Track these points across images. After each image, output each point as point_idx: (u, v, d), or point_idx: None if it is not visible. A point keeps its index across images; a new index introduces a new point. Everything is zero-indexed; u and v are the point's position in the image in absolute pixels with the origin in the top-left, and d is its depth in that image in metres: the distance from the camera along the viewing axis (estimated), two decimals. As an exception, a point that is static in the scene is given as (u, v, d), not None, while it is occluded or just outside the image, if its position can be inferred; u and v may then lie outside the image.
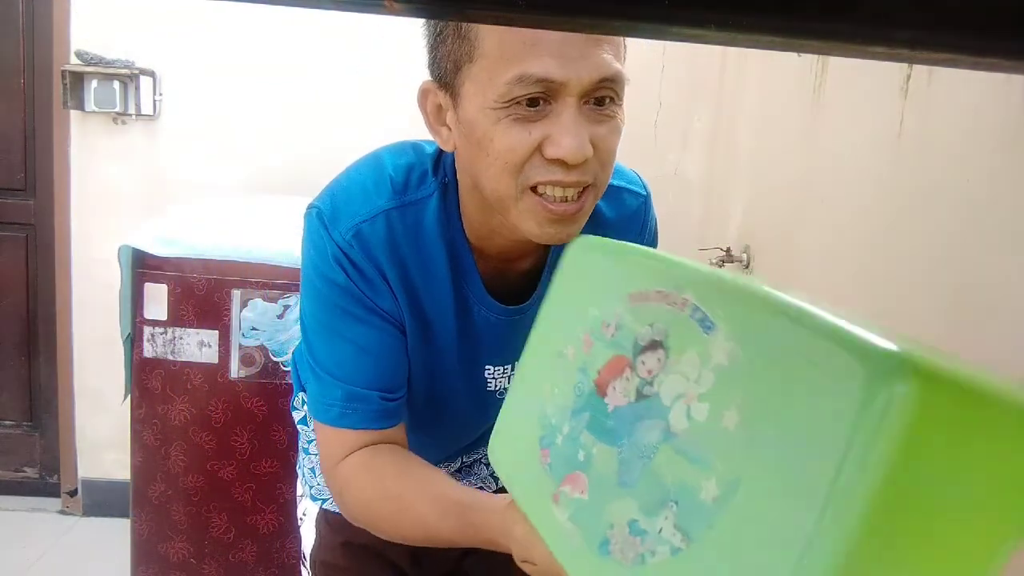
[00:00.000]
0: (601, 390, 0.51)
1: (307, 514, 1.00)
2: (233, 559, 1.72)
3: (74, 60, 2.09)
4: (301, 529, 1.02)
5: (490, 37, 0.62)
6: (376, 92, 2.15)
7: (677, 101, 2.26)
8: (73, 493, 2.36)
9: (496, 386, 0.88)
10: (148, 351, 1.65)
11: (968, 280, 1.13)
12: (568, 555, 0.50)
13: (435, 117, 0.71)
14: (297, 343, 1.07)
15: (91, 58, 2.07)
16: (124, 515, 1.76)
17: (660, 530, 0.42)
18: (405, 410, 0.81)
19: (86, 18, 2.12)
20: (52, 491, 2.39)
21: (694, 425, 0.41)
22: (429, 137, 0.77)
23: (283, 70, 2.17)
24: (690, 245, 2.33)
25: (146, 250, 1.62)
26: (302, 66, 2.17)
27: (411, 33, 2.42)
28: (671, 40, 0.28)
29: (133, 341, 1.66)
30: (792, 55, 1.78)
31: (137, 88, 2.11)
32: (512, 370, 0.86)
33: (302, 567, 1.04)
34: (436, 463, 0.90)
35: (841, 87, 1.58)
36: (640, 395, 0.47)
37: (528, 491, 0.57)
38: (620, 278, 0.53)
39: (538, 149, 0.63)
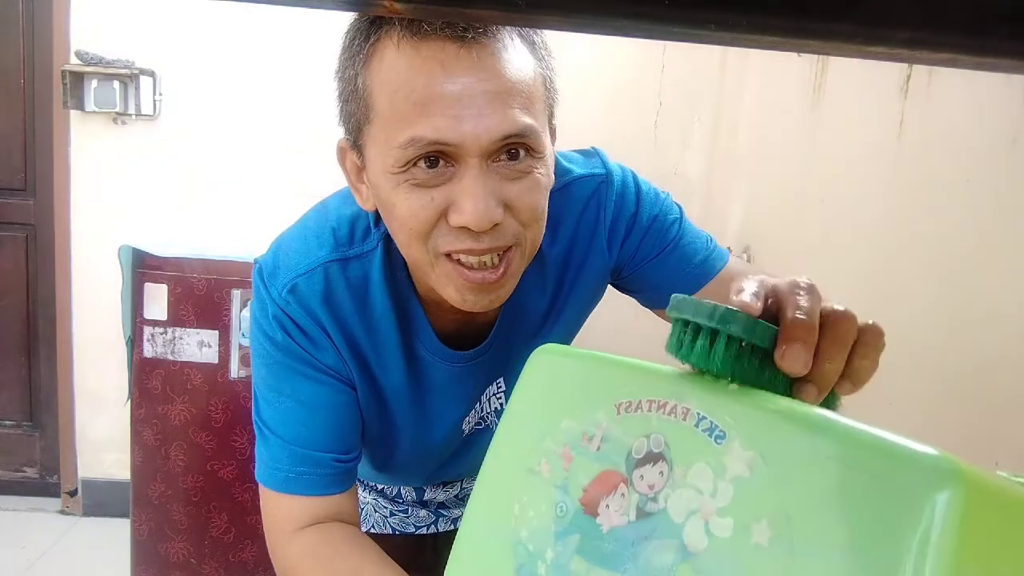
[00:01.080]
0: (590, 509, 0.44)
1: None
2: (233, 559, 1.72)
3: (74, 60, 2.09)
4: None
5: (382, 97, 0.57)
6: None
7: (677, 101, 2.26)
8: (73, 493, 2.36)
9: (469, 429, 0.83)
10: (148, 351, 1.65)
11: (968, 279, 1.13)
12: None
13: (355, 175, 0.67)
14: None
15: (91, 58, 2.07)
16: (124, 515, 1.76)
17: None
18: (356, 472, 0.76)
19: (86, 18, 2.12)
20: (52, 491, 2.39)
21: (716, 543, 0.37)
22: None
23: (283, 70, 2.17)
24: (690, 245, 2.33)
25: (146, 250, 1.62)
26: (302, 66, 2.17)
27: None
28: (671, 40, 0.28)
29: (133, 341, 1.66)
30: (792, 55, 1.78)
31: (137, 88, 2.11)
32: (483, 407, 0.82)
33: None
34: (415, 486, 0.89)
35: (841, 87, 1.58)
36: (642, 513, 0.41)
37: None
38: (600, 387, 0.47)
39: (443, 215, 0.58)
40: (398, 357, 0.72)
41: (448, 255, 0.60)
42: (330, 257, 0.68)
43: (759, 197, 1.98)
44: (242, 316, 1.64)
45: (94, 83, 2.08)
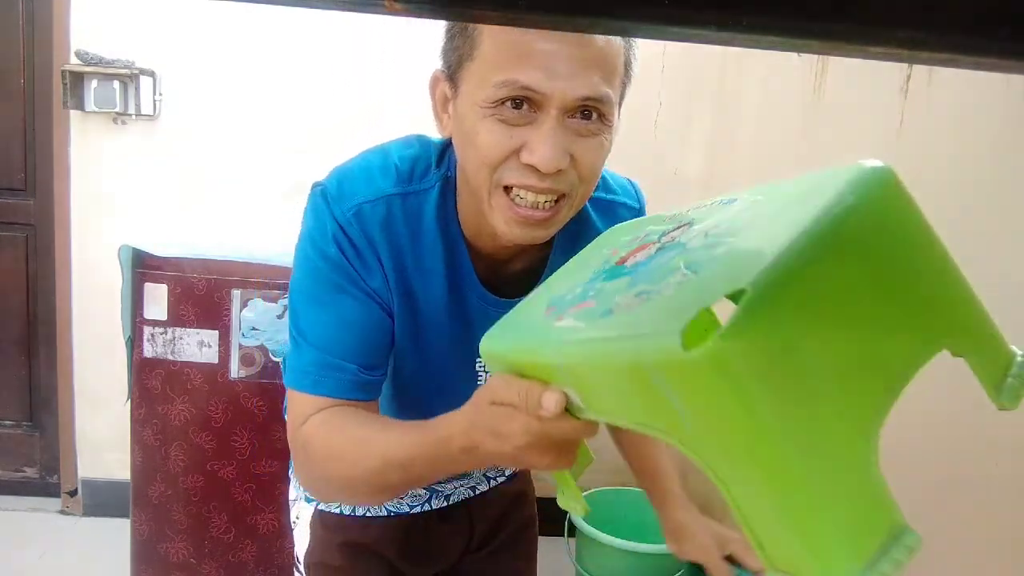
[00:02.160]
0: (621, 262, 0.55)
1: (300, 517, 1.00)
2: (233, 559, 1.72)
3: (74, 60, 2.09)
4: (295, 532, 1.01)
5: (489, 40, 0.66)
6: (376, 92, 2.15)
7: (677, 101, 2.25)
8: (73, 493, 2.36)
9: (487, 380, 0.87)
10: (148, 351, 1.65)
11: (968, 278, 1.13)
12: (567, 338, 0.49)
13: (441, 105, 0.75)
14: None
15: (91, 58, 2.07)
16: (124, 515, 1.76)
17: (668, 282, 0.44)
18: (380, 390, 0.80)
19: (86, 18, 2.12)
20: (52, 491, 2.39)
21: (709, 236, 0.47)
22: (433, 132, 0.81)
23: (283, 70, 2.17)
24: (690, 245, 2.33)
25: (146, 250, 1.62)
26: (302, 66, 2.17)
27: (411, 33, 2.43)
28: (671, 40, 0.28)
29: (133, 341, 1.66)
30: (792, 55, 1.78)
31: (137, 88, 2.11)
32: None
33: (296, 571, 1.04)
34: None
35: (841, 87, 1.58)
36: (660, 250, 0.51)
37: (526, 331, 0.57)
38: (658, 218, 0.60)
39: (516, 152, 0.67)
40: (441, 288, 0.79)
41: (507, 189, 0.69)
42: (393, 191, 0.76)
43: (759, 197, 1.98)
44: (242, 316, 1.64)
45: (94, 83, 2.08)
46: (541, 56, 0.63)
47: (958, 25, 0.25)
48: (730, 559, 0.89)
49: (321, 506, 0.98)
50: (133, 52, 2.11)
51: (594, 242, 0.67)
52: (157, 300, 1.64)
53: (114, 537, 1.99)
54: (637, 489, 2.26)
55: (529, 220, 0.69)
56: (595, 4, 0.26)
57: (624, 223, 0.67)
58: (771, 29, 0.26)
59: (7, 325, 2.34)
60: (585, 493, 2.12)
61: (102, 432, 2.30)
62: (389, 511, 0.98)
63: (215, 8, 2.10)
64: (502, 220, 0.70)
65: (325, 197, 0.75)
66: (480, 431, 0.59)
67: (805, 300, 0.38)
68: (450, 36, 0.71)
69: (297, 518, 1.01)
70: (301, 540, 1.00)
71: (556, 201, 0.69)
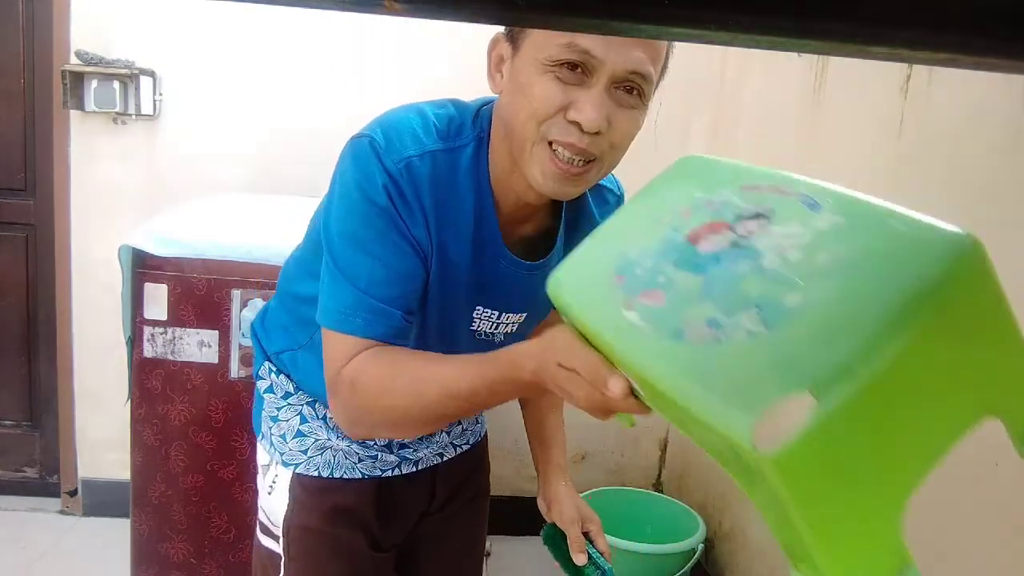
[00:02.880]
0: (693, 240, 0.54)
1: (277, 482, 1.01)
2: (233, 559, 1.72)
3: (74, 60, 2.09)
4: (269, 498, 1.02)
5: None
6: (376, 91, 2.15)
7: (677, 101, 2.25)
8: (73, 493, 2.36)
9: (478, 327, 0.94)
10: (148, 351, 1.65)
11: None
12: (633, 345, 0.51)
13: (496, 64, 0.81)
14: (260, 312, 1.10)
15: (91, 58, 2.07)
16: (124, 515, 1.76)
17: (740, 322, 0.45)
18: (413, 334, 0.86)
19: (86, 18, 2.12)
20: (52, 491, 2.39)
21: (786, 263, 0.46)
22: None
23: (283, 70, 2.17)
24: (690, 245, 2.32)
25: (146, 250, 1.62)
26: (302, 66, 2.17)
27: (411, 33, 2.43)
28: (671, 40, 0.28)
29: (133, 341, 1.66)
30: (792, 55, 1.78)
31: (137, 88, 2.10)
32: (499, 318, 0.94)
33: (263, 537, 1.04)
34: None
35: (841, 87, 1.58)
36: (735, 245, 0.50)
37: (593, 303, 0.58)
38: (732, 175, 0.58)
39: (563, 110, 0.74)
40: (468, 240, 0.84)
41: (550, 143, 0.75)
42: (436, 147, 0.81)
43: (759, 197, 1.98)
44: (242, 316, 1.64)
45: (94, 83, 2.07)
46: None
47: (958, 25, 0.25)
48: (586, 535, 1.04)
49: (299, 469, 0.99)
50: (133, 52, 2.11)
51: (666, 174, 0.67)
52: (157, 300, 1.64)
53: (114, 537, 1.99)
54: (637, 489, 2.27)
55: (564, 174, 0.76)
56: (595, 4, 0.26)
57: (697, 159, 0.66)
58: (771, 29, 0.26)
59: (7, 325, 2.33)
60: (584, 493, 2.13)
61: (102, 432, 2.30)
62: (363, 474, 1.01)
63: (215, 8, 2.10)
64: (539, 171, 0.77)
65: (374, 147, 0.78)
66: (547, 377, 0.65)
67: (876, 402, 0.39)
68: None
69: (273, 483, 1.01)
70: (277, 505, 1.00)
71: (588, 162, 0.77)
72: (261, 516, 1.04)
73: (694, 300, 0.49)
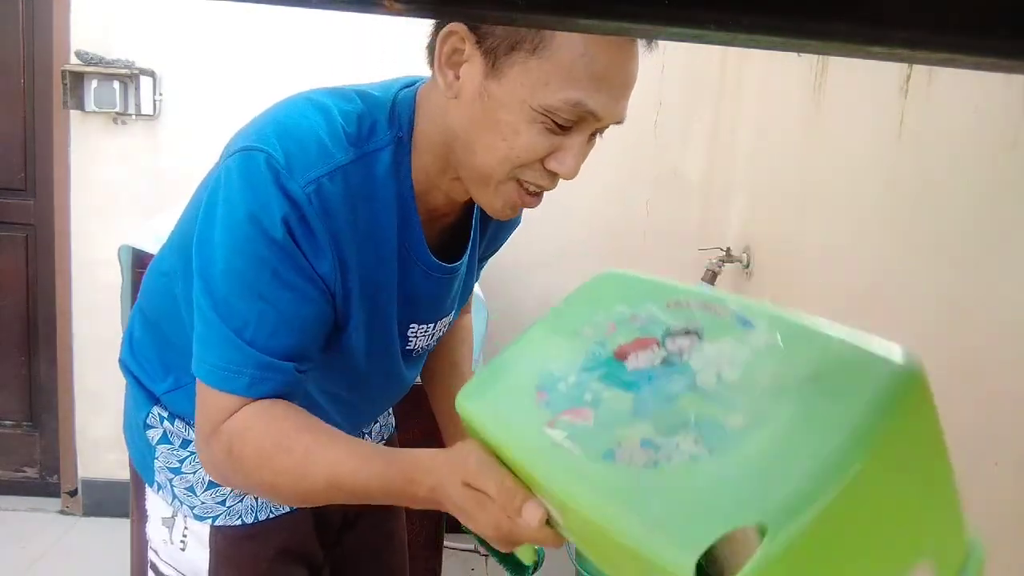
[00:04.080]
0: (620, 356, 0.51)
1: (189, 536, 0.88)
2: (233, 559, 1.72)
3: (74, 60, 2.09)
4: (182, 554, 0.89)
5: (566, 50, 0.63)
6: (376, 92, 2.15)
7: (677, 101, 2.25)
8: (73, 493, 2.36)
9: (415, 345, 0.86)
10: (148, 351, 1.65)
11: (968, 279, 1.13)
12: (558, 466, 0.47)
13: (447, 59, 0.68)
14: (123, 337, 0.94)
15: (91, 58, 2.07)
16: (124, 515, 1.76)
17: (678, 444, 0.42)
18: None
19: (86, 18, 2.12)
20: (52, 491, 2.39)
21: (723, 383, 0.44)
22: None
23: (283, 70, 2.17)
24: (690, 245, 2.33)
25: (146, 250, 1.62)
26: (302, 66, 2.17)
27: (411, 33, 2.43)
28: (671, 40, 0.28)
29: (133, 341, 1.66)
30: (792, 55, 1.78)
31: (137, 88, 2.11)
32: (433, 329, 0.87)
33: None
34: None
35: (841, 87, 1.58)
36: (666, 362, 0.48)
37: (511, 419, 0.53)
38: (655, 291, 0.55)
39: (543, 158, 0.68)
40: (393, 256, 0.75)
41: (517, 180, 0.69)
42: (347, 158, 0.69)
43: (759, 197, 1.98)
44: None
45: (94, 83, 2.08)
46: (612, 83, 0.65)
47: (958, 25, 0.25)
48: None
49: (219, 521, 0.87)
50: (133, 52, 2.12)
51: (585, 289, 0.62)
52: (157, 300, 1.64)
53: (114, 537, 1.99)
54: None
55: (525, 206, 0.73)
56: (595, 4, 0.26)
57: (617, 275, 0.62)
58: (771, 29, 0.26)
59: (7, 325, 2.34)
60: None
61: (102, 432, 2.30)
62: (291, 507, 0.93)
63: (215, 8, 2.10)
64: (502, 203, 0.72)
65: (272, 168, 0.65)
66: (445, 497, 0.60)
67: (821, 539, 0.37)
68: None
69: (184, 538, 0.88)
70: (195, 560, 0.88)
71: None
72: (165, 570, 0.91)
73: (625, 419, 0.45)
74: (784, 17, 0.25)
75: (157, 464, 0.89)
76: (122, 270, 1.65)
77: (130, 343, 0.92)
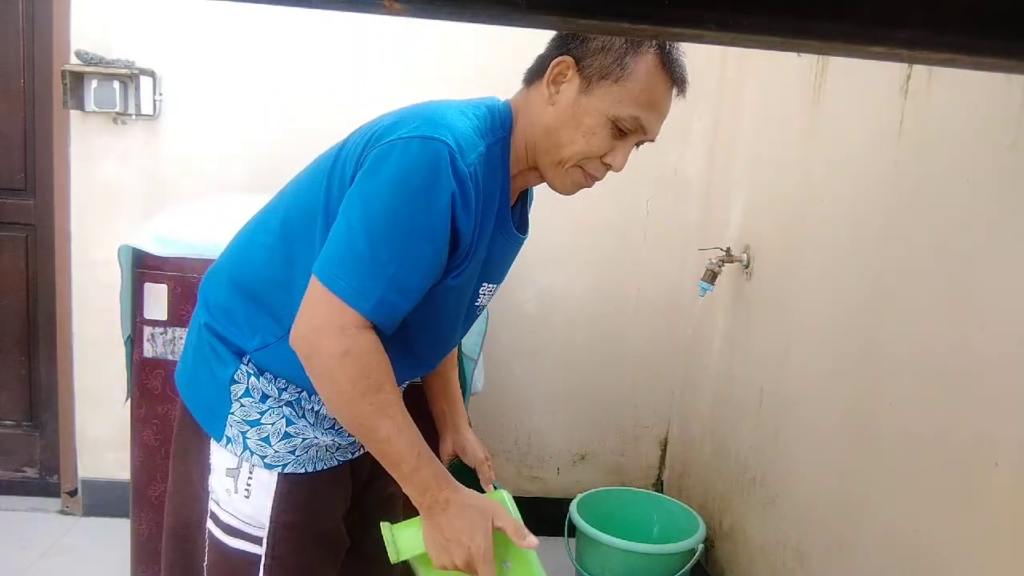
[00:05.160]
0: None
1: (253, 484, 1.00)
2: (233, 559, 1.72)
3: (74, 60, 2.09)
4: (246, 501, 1.00)
5: (638, 82, 0.93)
6: (376, 91, 2.15)
7: (677, 101, 2.25)
8: (73, 493, 2.36)
9: (481, 302, 1.09)
10: (148, 351, 1.65)
11: (968, 278, 1.13)
12: None
13: (554, 78, 0.96)
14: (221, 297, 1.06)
15: (91, 58, 2.07)
16: (124, 515, 1.76)
17: None
18: None
19: (86, 18, 2.12)
20: (52, 491, 2.39)
21: None
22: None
23: (283, 70, 2.17)
24: (690, 245, 2.33)
25: (146, 250, 1.62)
26: (302, 65, 2.17)
27: (409, 32, 2.42)
28: (671, 40, 0.28)
29: (133, 341, 1.66)
30: (792, 55, 1.78)
31: (137, 88, 2.11)
32: (495, 289, 1.10)
33: (230, 540, 1.02)
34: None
35: (841, 87, 1.58)
36: None
37: None
38: None
39: (604, 154, 0.96)
40: (492, 226, 0.98)
41: (582, 168, 0.98)
42: (484, 146, 0.94)
43: (759, 197, 1.98)
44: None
45: (94, 83, 2.08)
46: (659, 110, 0.96)
47: (958, 25, 0.25)
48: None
49: (288, 469, 1.00)
50: (133, 52, 2.12)
51: None
52: (157, 300, 1.64)
53: (114, 537, 1.99)
54: (637, 489, 2.26)
55: (585, 185, 1.01)
56: (595, 4, 0.26)
57: None
58: (771, 29, 0.26)
59: (7, 325, 2.34)
60: (584, 493, 2.13)
61: (102, 432, 2.30)
62: (339, 461, 1.07)
63: (215, 8, 2.10)
64: (569, 183, 0.99)
65: (451, 154, 0.86)
66: (456, 511, 0.93)
67: None
68: (603, 49, 0.92)
69: (249, 486, 1.00)
70: (256, 506, 1.00)
71: None
72: (226, 519, 1.02)
73: None
74: (784, 17, 0.25)
75: (232, 419, 1.01)
76: (122, 270, 1.65)
77: (208, 309, 1.05)
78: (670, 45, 0.95)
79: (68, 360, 2.29)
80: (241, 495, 1.01)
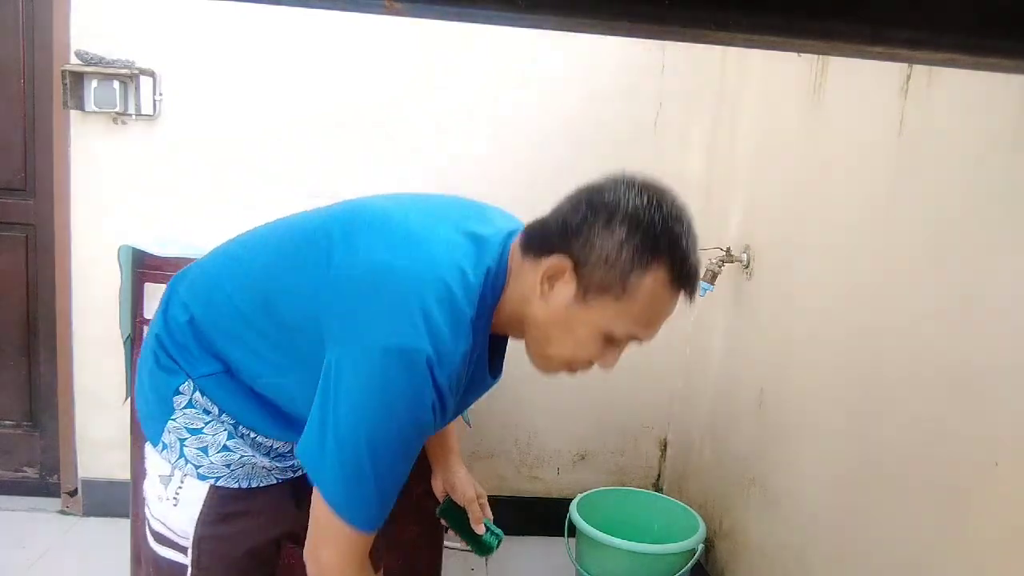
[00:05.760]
0: None
1: (183, 493, 1.00)
2: (233, 559, 1.72)
3: (74, 60, 2.09)
4: (173, 509, 1.01)
5: (638, 303, 0.86)
6: (376, 91, 2.15)
7: (677, 102, 2.25)
8: (73, 493, 2.36)
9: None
10: (148, 351, 1.65)
11: (968, 278, 1.13)
12: None
13: (548, 276, 0.88)
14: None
15: (91, 58, 2.07)
16: (124, 515, 1.76)
17: None
18: None
19: (86, 18, 2.12)
20: (52, 491, 2.39)
21: None
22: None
23: (284, 70, 2.17)
24: (690, 245, 2.32)
25: (146, 250, 1.62)
26: (302, 66, 2.17)
27: (408, 32, 2.42)
28: (671, 40, 0.28)
29: (133, 341, 1.66)
30: (792, 55, 1.78)
31: (137, 88, 2.10)
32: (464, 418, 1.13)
33: (159, 547, 1.03)
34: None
35: (841, 87, 1.58)
36: None
37: None
38: None
39: (589, 359, 0.93)
40: (469, 379, 0.93)
41: (570, 367, 0.95)
42: (472, 313, 0.87)
43: (759, 197, 1.98)
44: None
45: (94, 83, 2.07)
46: (656, 325, 0.90)
47: (958, 25, 0.25)
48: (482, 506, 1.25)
49: (220, 482, 1.00)
50: (133, 52, 2.11)
51: None
52: (157, 300, 1.64)
53: (114, 537, 1.99)
54: (637, 489, 2.26)
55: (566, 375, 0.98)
56: (595, 4, 0.26)
57: None
58: (771, 29, 0.26)
59: (7, 325, 2.33)
60: (585, 493, 2.12)
61: (102, 432, 2.30)
62: (277, 479, 1.07)
63: (215, 8, 2.10)
64: (549, 371, 0.96)
65: (429, 365, 0.82)
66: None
67: None
68: (608, 263, 0.85)
69: (178, 494, 1.01)
70: (183, 516, 1.01)
71: None
72: (156, 526, 1.03)
73: None
74: (784, 17, 0.25)
75: (172, 424, 0.99)
76: (122, 270, 1.65)
77: (166, 322, 1.02)
78: (687, 251, 0.87)
79: (68, 360, 2.29)
80: (170, 503, 1.01)
